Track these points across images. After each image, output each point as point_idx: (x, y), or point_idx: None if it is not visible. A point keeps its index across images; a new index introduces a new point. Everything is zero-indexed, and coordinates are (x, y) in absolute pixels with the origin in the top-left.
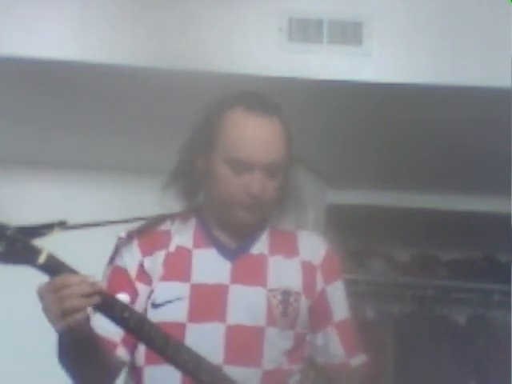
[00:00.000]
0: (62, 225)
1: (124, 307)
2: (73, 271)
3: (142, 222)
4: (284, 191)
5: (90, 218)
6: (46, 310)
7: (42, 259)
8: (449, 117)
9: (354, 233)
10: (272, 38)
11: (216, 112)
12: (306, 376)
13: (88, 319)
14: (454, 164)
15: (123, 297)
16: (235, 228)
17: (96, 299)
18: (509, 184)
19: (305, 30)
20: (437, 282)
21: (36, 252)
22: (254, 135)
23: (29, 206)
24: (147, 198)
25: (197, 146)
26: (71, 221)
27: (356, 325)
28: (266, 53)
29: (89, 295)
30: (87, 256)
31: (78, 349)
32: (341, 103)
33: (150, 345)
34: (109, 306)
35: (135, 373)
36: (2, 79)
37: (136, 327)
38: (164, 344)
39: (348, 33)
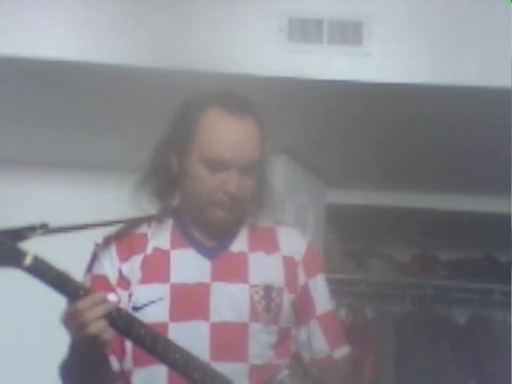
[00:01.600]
0: (44, 227)
1: (140, 325)
2: (60, 273)
3: (118, 227)
4: (260, 189)
5: (89, 217)
6: (73, 335)
7: (27, 261)
8: (449, 117)
9: (354, 233)
10: (272, 37)
11: (192, 112)
12: (294, 372)
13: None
14: (454, 164)
15: (112, 297)
16: (212, 227)
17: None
18: (509, 184)
19: (305, 30)
20: (437, 281)
21: (21, 254)
22: (229, 135)
23: (29, 206)
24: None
25: (172, 145)
26: (71, 221)
27: (338, 316)
28: (266, 53)
29: (104, 316)
30: (66, 258)
31: (89, 362)
32: (341, 103)
33: (140, 344)
34: (128, 325)
35: (123, 376)
36: (2, 79)
37: (125, 326)
38: (153, 342)
39: (348, 33)
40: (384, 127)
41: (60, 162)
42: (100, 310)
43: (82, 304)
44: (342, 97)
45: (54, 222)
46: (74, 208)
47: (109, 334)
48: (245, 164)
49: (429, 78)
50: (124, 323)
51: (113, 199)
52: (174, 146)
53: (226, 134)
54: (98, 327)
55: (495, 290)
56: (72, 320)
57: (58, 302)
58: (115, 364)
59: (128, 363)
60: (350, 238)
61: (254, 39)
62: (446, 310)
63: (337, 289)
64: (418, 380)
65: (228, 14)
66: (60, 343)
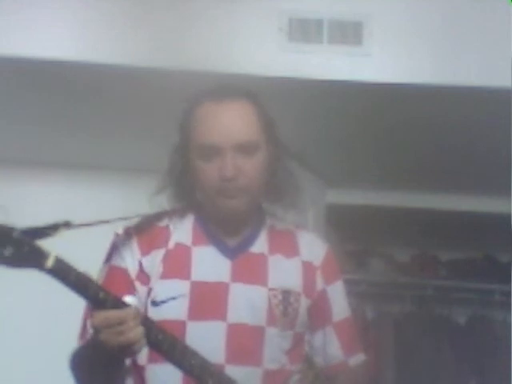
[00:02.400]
0: (67, 225)
1: (159, 330)
2: (81, 275)
3: (139, 219)
4: (271, 176)
5: (90, 217)
6: (105, 343)
7: (49, 263)
8: (449, 117)
9: (354, 233)
10: (272, 37)
11: (187, 110)
12: (304, 376)
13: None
14: (454, 164)
15: (131, 299)
16: (225, 219)
17: (143, 335)
18: (509, 184)
19: (305, 30)
20: (437, 281)
21: (43, 256)
22: (218, 120)
23: (29, 206)
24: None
25: (179, 147)
26: (71, 221)
27: (356, 324)
28: (266, 53)
29: (138, 327)
30: (84, 254)
31: (109, 362)
32: (341, 103)
33: (157, 348)
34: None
35: (136, 371)
36: (2, 79)
37: (166, 347)
38: (171, 348)
39: (348, 33)
40: (384, 127)
41: (60, 161)
42: (139, 320)
43: (125, 313)
44: (342, 97)
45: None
46: (74, 208)
47: (144, 343)
48: (237, 145)
49: (429, 78)
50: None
51: (113, 199)
52: (180, 147)
53: (213, 121)
54: (137, 336)
55: (495, 290)
56: (109, 327)
57: (56, 303)
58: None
59: (142, 358)
60: (350, 238)
61: (254, 39)
62: (446, 310)
63: None
64: (418, 380)
65: (228, 14)
66: (58, 342)
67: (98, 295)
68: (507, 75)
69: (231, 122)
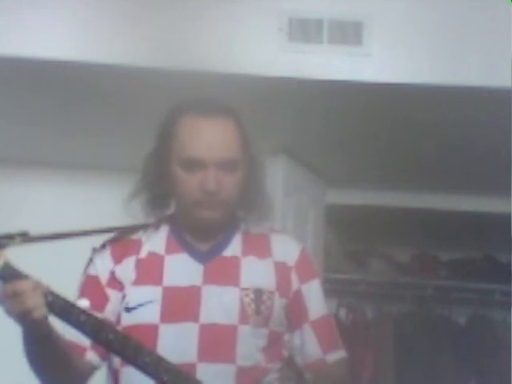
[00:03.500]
0: (24, 236)
1: (80, 311)
2: (25, 278)
3: (115, 233)
4: (247, 191)
5: (89, 217)
6: (7, 313)
7: None
8: (449, 117)
9: (354, 233)
10: (272, 37)
11: (170, 119)
12: (284, 375)
13: (45, 319)
14: (453, 164)
15: (83, 302)
16: (200, 228)
17: (43, 299)
18: (509, 184)
19: (305, 30)
20: (437, 281)
21: None
22: (203, 135)
23: (29, 206)
24: None
25: (157, 153)
26: (70, 220)
27: (334, 323)
28: (266, 53)
29: (35, 297)
30: (70, 266)
31: (40, 348)
32: (341, 103)
33: (109, 347)
34: (65, 310)
35: (112, 375)
36: (2, 79)
37: (93, 330)
38: (122, 347)
39: (348, 33)
40: (384, 127)
41: (60, 161)
42: (39, 292)
43: (21, 284)
44: (342, 97)
45: (53, 222)
46: (73, 208)
47: (44, 311)
48: (221, 162)
49: (429, 78)
50: (92, 327)
51: (112, 199)
52: (159, 154)
53: (199, 134)
54: (34, 304)
55: (495, 290)
56: (9, 297)
57: None
58: (93, 357)
59: (116, 362)
60: (350, 238)
61: (254, 39)
62: (446, 310)
63: (337, 289)
64: (417, 380)
65: (228, 14)
66: None
67: (47, 298)
68: (507, 75)
69: (216, 139)
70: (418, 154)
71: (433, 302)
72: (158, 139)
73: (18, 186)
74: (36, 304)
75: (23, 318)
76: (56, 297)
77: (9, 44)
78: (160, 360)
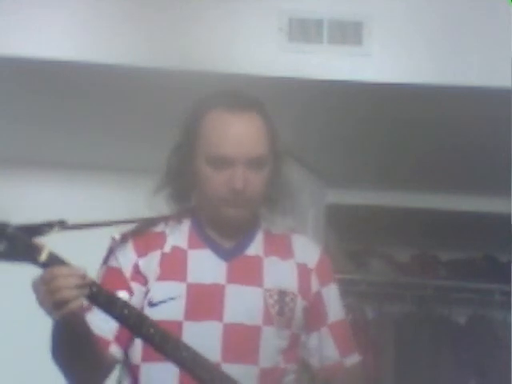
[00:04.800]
0: (62, 224)
1: (124, 304)
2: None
3: (136, 224)
4: (272, 187)
5: (89, 218)
6: (40, 302)
7: (43, 257)
8: (449, 117)
9: (354, 233)
10: (272, 38)
11: (196, 114)
12: (299, 378)
13: (81, 311)
14: (453, 164)
15: (123, 294)
16: (225, 226)
17: (85, 291)
18: (509, 184)
19: (305, 30)
20: (437, 282)
21: (37, 250)
22: (231, 132)
23: (29, 205)
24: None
25: (182, 148)
26: (71, 221)
27: (350, 326)
28: (266, 53)
29: (78, 286)
30: (83, 256)
31: (71, 341)
32: (341, 103)
33: (149, 341)
34: (109, 303)
35: (131, 370)
36: (2, 79)
37: (135, 324)
38: (163, 341)
39: (348, 33)
40: (384, 127)
41: (60, 161)
42: (74, 279)
43: (57, 270)
44: (342, 97)
45: None
46: (73, 208)
47: (81, 302)
48: (249, 159)
49: (429, 78)
50: (135, 320)
51: (113, 199)
52: (184, 149)
53: (226, 131)
54: (68, 294)
55: (495, 290)
56: (44, 283)
57: None
58: (116, 351)
59: (136, 357)
60: (350, 238)
61: (254, 39)
62: (446, 310)
63: None
64: (417, 380)
65: (228, 14)
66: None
67: (92, 289)
68: (507, 75)
69: (244, 136)
70: (418, 154)
71: (433, 301)
72: (183, 135)
73: (18, 186)
74: (76, 294)
75: (59, 308)
76: (100, 288)
77: (9, 44)
78: (197, 356)
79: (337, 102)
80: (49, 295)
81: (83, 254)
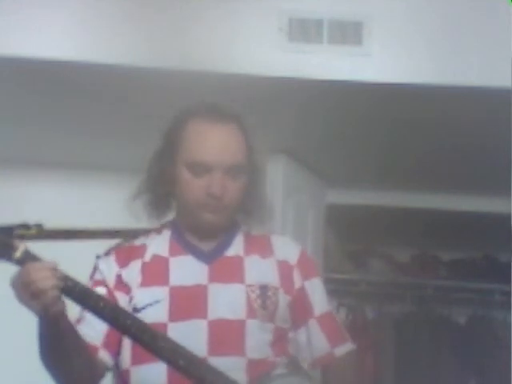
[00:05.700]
0: (39, 227)
1: (99, 297)
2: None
3: (118, 241)
4: (248, 198)
5: (89, 217)
6: (19, 298)
7: (17, 254)
8: (449, 117)
9: (354, 233)
10: (272, 37)
11: (178, 123)
12: (292, 371)
13: (61, 305)
14: (453, 164)
15: (100, 289)
16: (204, 230)
17: (59, 282)
18: (509, 184)
19: (305, 30)
20: (437, 281)
21: (13, 248)
22: (212, 139)
23: (29, 206)
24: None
25: (163, 155)
26: (70, 221)
27: (337, 318)
28: (266, 53)
29: (50, 278)
30: (73, 261)
31: (57, 342)
32: (341, 103)
33: (127, 332)
34: (84, 296)
35: (121, 375)
36: (2, 79)
37: (111, 316)
38: (140, 331)
39: (348, 33)
40: (384, 127)
41: (60, 161)
42: (46, 272)
43: (30, 265)
44: (342, 97)
45: (53, 222)
46: (73, 208)
47: (56, 294)
48: (228, 166)
49: (429, 78)
50: (110, 312)
51: (112, 199)
52: (164, 155)
53: (207, 139)
54: (42, 285)
55: (495, 290)
56: (19, 280)
57: None
58: (105, 357)
59: (126, 362)
60: (350, 238)
61: (254, 39)
62: (446, 310)
63: (337, 289)
64: (418, 380)
65: (228, 14)
66: None
67: (67, 283)
68: (507, 75)
69: (224, 144)
70: (418, 154)
71: (433, 302)
72: (164, 141)
73: (18, 186)
74: (49, 284)
75: (37, 300)
76: (75, 282)
77: (9, 44)
78: (175, 346)
79: (337, 102)
80: (24, 289)
81: (76, 258)
